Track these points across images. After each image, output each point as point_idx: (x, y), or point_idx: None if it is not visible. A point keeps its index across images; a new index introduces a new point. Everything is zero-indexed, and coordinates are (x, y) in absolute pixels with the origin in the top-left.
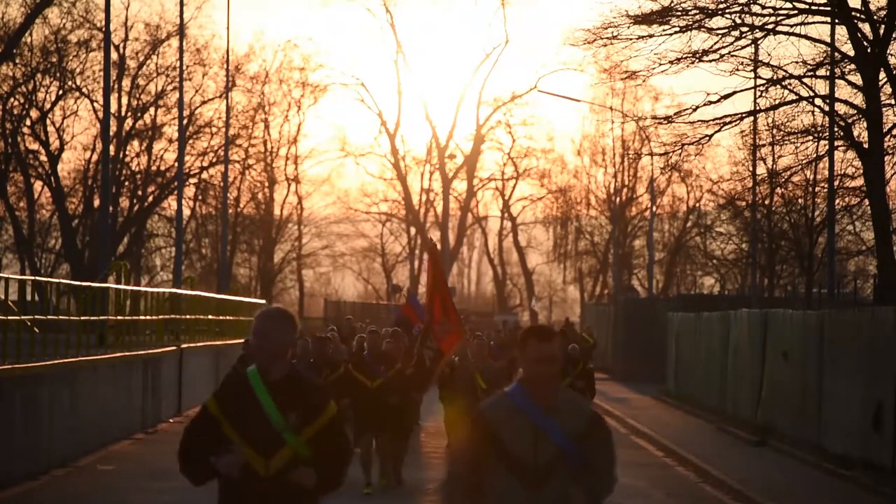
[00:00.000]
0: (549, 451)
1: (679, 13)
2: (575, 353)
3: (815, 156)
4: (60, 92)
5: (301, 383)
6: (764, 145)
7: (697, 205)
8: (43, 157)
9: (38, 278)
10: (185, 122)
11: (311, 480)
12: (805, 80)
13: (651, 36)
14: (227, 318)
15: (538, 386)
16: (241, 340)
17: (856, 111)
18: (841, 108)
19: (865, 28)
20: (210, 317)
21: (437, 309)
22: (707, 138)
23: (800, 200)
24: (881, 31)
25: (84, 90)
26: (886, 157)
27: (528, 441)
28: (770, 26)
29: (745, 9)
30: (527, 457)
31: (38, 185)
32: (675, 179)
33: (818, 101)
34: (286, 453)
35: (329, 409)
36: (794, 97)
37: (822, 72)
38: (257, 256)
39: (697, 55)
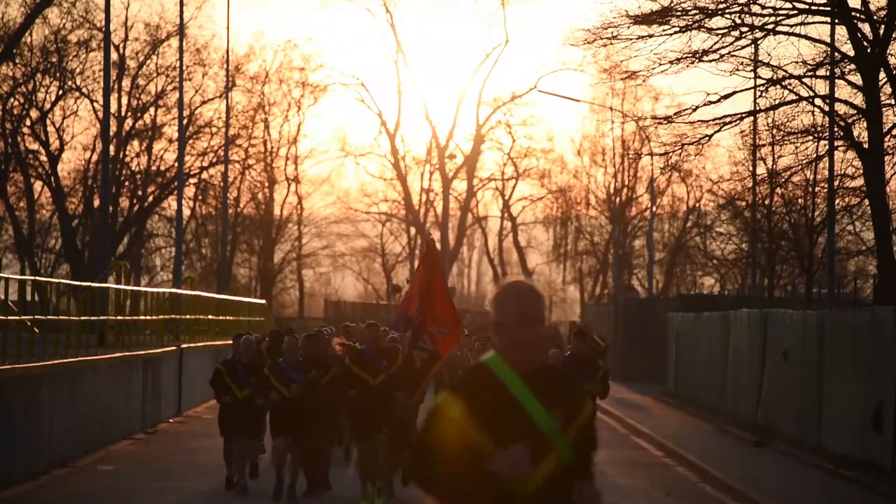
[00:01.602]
0: None
1: (679, 13)
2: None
3: (815, 156)
4: (60, 92)
5: (557, 374)
6: (764, 145)
7: (697, 205)
8: (43, 157)
9: (38, 278)
10: (185, 122)
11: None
12: (805, 80)
13: (651, 36)
14: (227, 318)
15: None
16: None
17: (856, 111)
18: (841, 108)
19: (865, 28)
20: (210, 317)
21: (436, 309)
22: (707, 138)
23: (800, 200)
24: (881, 31)
25: (84, 90)
26: (886, 157)
27: None
28: (770, 26)
29: (745, 9)
30: None
31: (38, 185)
32: (675, 179)
33: (818, 101)
34: (550, 463)
35: (588, 403)
36: (794, 97)
37: (822, 72)
38: (257, 256)
39: (697, 55)
